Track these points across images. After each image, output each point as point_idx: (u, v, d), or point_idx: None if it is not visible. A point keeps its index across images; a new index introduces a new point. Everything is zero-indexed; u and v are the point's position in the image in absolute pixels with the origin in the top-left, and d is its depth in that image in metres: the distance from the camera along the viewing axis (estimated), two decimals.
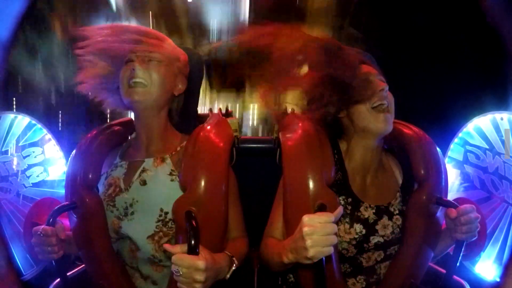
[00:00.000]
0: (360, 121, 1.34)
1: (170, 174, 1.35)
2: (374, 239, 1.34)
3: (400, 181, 1.43)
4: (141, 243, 1.33)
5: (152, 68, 1.31)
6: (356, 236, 1.33)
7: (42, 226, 1.24)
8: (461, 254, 1.30)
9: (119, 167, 1.41)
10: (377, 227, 1.34)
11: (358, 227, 1.33)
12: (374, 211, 1.35)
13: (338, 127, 1.41)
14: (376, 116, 1.30)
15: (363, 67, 1.37)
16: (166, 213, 1.31)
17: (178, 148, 1.39)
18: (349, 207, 1.34)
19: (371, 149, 1.38)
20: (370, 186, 1.40)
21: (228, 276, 1.18)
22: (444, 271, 1.43)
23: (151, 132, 1.39)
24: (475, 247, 1.67)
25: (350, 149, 1.40)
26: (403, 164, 1.46)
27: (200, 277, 1.02)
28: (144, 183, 1.35)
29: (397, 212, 1.38)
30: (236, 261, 1.21)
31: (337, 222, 1.06)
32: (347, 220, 1.33)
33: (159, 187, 1.33)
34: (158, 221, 1.31)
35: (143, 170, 1.37)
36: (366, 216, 1.35)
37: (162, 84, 1.33)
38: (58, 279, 1.35)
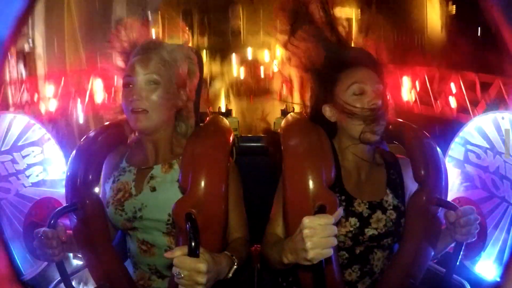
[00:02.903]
0: (350, 130, 1.35)
1: (179, 187, 1.33)
2: (369, 232, 1.34)
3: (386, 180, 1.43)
4: (156, 238, 1.35)
5: (151, 91, 1.31)
6: (351, 229, 1.33)
7: (43, 229, 1.24)
8: (460, 255, 1.30)
9: (128, 172, 1.41)
10: (371, 220, 1.35)
11: (353, 220, 1.34)
12: (367, 206, 1.36)
13: (332, 127, 1.41)
14: (365, 128, 1.31)
15: (359, 71, 1.36)
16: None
17: (183, 155, 1.35)
18: (344, 204, 1.35)
19: (362, 151, 1.39)
20: (363, 183, 1.40)
21: (230, 275, 1.18)
22: (444, 270, 1.43)
23: (158, 144, 1.39)
24: (475, 247, 1.67)
25: (343, 149, 1.41)
26: (386, 159, 1.46)
27: (202, 279, 1.02)
28: (153, 189, 1.35)
29: (391, 207, 1.38)
30: (236, 260, 1.21)
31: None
32: (343, 214, 1.33)
33: (167, 194, 1.33)
34: (167, 224, 1.33)
35: (152, 177, 1.37)
36: (360, 211, 1.35)
37: (163, 105, 1.33)
38: (58, 279, 1.35)
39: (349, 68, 1.37)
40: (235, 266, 1.19)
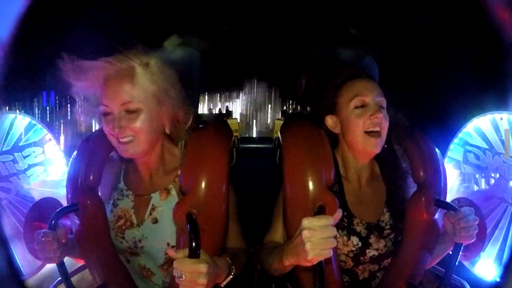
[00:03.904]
0: (352, 140, 1.37)
1: (180, 189, 1.32)
2: (370, 252, 1.36)
3: (385, 196, 1.44)
4: (154, 270, 1.36)
5: (132, 120, 1.22)
6: (353, 249, 1.35)
7: (43, 230, 1.24)
8: (459, 255, 1.31)
9: (126, 197, 1.39)
10: (371, 240, 1.36)
11: (354, 239, 1.35)
12: (364, 226, 1.37)
13: (334, 138, 1.42)
14: (367, 140, 1.34)
15: (360, 83, 1.37)
16: (173, 246, 1.30)
17: (179, 172, 1.31)
18: (346, 220, 1.35)
19: (363, 162, 1.41)
20: (365, 198, 1.42)
21: (224, 283, 1.18)
22: (443, 270, 1.44)
23: (150, 166, 1.37)
24: (474, 248, 1.68)
25: (345, 161, 1.42)
26: (386, 176, 1.46)
27: (203, 280, 1.02)
28: (155, 221, 1.34)
29: (388, 227, 1.39)
30: (234, 270, 1.21)
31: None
32: (345, 232, 1.34)
33: (167, 223, 1.32)
34: (166, 253, 1.32)
35: (153, 208, 1.35)
36: (359, 231, 1.36)
37: (149, 129, 1.25)
38: (58, 279, 1.36)
39: (351, 80, 1.38)
40: (231, 276, 1.20)
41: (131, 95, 1.21)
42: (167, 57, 1.35)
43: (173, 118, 1.30)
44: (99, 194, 1.39)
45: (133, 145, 1.24)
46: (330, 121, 1.41)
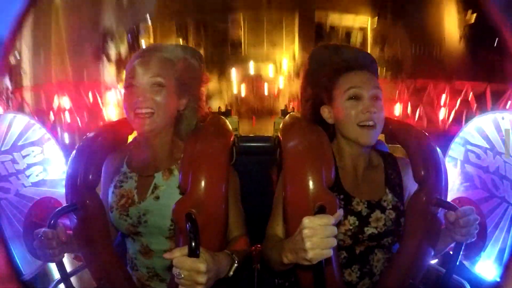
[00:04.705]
0: (346, 133, 1.38)
1: (179, 187, 1.34)
2: (368, 231, 1.35)
3: (384, 182, 1.44)
4: (158, 243, 1.37)
5: (156, 93, 1.30)
6: (351, 227, 1.34)
7: (43, 229, 1.24)
8: (460, 254, 1.30)
9: (130, 179, 1.42)
10: (370, 219, 1.36)
11: (352, 219, 1.35)
12: (366, 205, 1.37)
13: (330, 128, 1.43)
14: (360, 132, 1.34)
15: (357, 75, 1.37)
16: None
17: (182, 155, 1.36)
18: (342, 203, 1.36)
19: (359, 152, 1.41)
20: (361, 183, 1.42)
21: (231, 273, 1.18)
22: (444, 270, 1.44)
23: (157, 148, 1.39)
24: (475, 247, 1.67)
25: (340, 150, 1.42)
26: (384, 159, 1.48)
27: (202, 279, 1.02)
28: (157, 198, 1.37)
29: (390, 206, 1.39)
30: (236, 259, 1.21)
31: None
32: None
33: (170, 201, 1.32)
34: (170, 229, 1.34)
35: (156, 187, 1.38)
36: (359, 210, 1.36)
37: (167, 108, 1.33)
38: (58, 279, 1.36)
39: (348, 71, 1.38)
40: (235, 264, 1.20)
41: (156, 71, 1.31)
42: (167, 55, 1.36)
43: (187, 105, 1.40)
44: (102, 178, 1.41)
45: (151, 120, 1.30)
46: (326, 111, 1.42)
